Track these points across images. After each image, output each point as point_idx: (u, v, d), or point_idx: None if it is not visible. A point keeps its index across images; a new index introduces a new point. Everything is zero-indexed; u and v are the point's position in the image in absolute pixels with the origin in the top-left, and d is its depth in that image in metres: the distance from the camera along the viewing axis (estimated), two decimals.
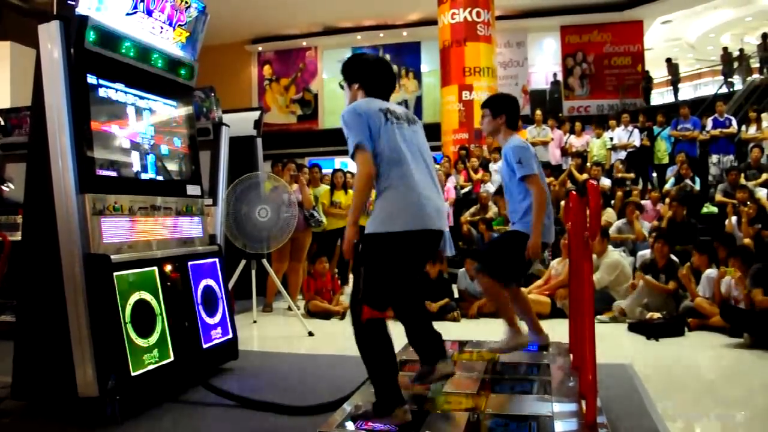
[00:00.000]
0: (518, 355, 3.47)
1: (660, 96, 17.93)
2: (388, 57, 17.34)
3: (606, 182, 9.04)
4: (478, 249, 6.90)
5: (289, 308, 6.02)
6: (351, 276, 8.72)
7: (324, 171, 8.53)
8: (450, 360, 2.79)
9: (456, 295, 6.10)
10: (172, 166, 3.74)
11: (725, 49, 15.82)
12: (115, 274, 3.01)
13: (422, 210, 2.48)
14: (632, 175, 9.20)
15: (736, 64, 15.03)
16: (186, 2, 3.71)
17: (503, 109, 3.49)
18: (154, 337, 3.18)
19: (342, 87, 2.78)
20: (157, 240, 3.46)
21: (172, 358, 3.26)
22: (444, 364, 2.70)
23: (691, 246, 6.04)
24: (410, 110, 2.90)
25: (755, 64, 14.39)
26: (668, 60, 16.33)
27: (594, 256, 5.43)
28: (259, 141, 6.99)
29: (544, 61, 17.40)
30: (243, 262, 5.47)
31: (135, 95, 3.49)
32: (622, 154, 9.81)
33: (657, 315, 5.17)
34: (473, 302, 5.94)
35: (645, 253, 6.37)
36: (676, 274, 5.58)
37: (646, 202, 8.09)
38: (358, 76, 2.71)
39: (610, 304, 5.76)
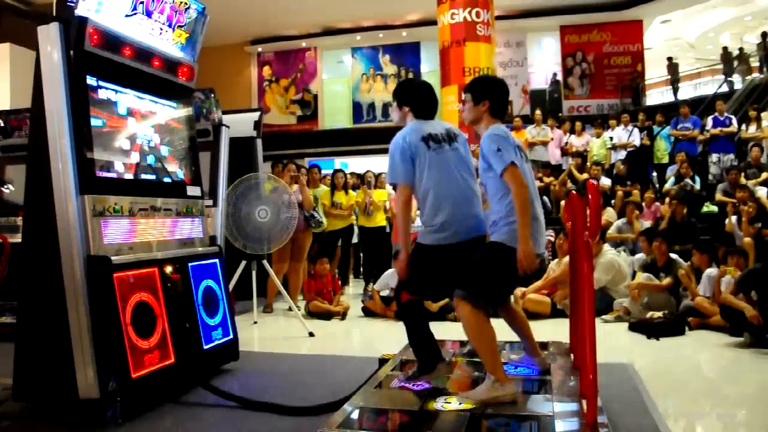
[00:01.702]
0: (518, 354, 3.46)
1: (660, 95, 17.93)
2: (387, 57, 17.47)
3: (606, 182, 9.04)
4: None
5: (290, 309, 6.03)
6: (351, 277, 8.77)
7: (324, 171, 8.54)
8: (447, 362, 3.09)
9: None
10: (172, 168, 3.74)
11: (725, 48, 15.82)
12: (115, 275, 3.01)
13: (457, 228, 2.88)
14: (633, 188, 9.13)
15: (735, 63, 15.02)
16: (185, 3, 3.71)
17: (487, 94, 2.94)
18: (155, 339, 3.18)
19: (390, 106, 3.37)
20: (157, 241, 3.46)
21: (172, 360, 3.26)
22: (443, 365, 2.99)
23: (692, 245, 6.04)
24: None
25: (755, 63, 14.39)
26: (669, 59, 16.32)
27: None
28: (259, 142, 6.99)
29: (543, 61, 17.39)
30: (243, 263, 5.47)
31: (135, 96, 3.49)
32: (622, 154, 9.81)
33: (657, 314, 5.17)
34: None
35: (640, 256, 6.37)
36: (675, 272, 5.58)
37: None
38: (409, 100, 3.12)
39: (609, 303, 5.76)
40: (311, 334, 5.13)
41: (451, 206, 2.89)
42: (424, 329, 2.98)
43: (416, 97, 3.13)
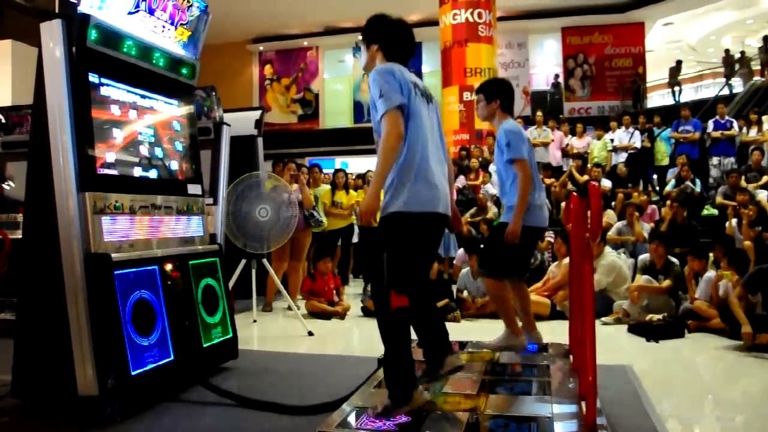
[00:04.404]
0: (518, 355, 3.47)
1: (661, 98, 17.96)
2: None
3: (606, 184, 9.04)
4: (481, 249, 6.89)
5: (289, 308, 6.03)
6: (351, 276, 8.77)
7: (325, 171, 8.54)
8: (458, 355, 2.86)
9: (455, 296, 6.10)
10: (173, 165, 3.74)
11: (727, 51, 15.82)
12: (115, 272, 3.01)
13: (437, 193, 2.50)
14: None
15: (737, 67, 15.03)
16: (188, 1, 3.70)
17: (497, 94, 3.50)
18: (154, 336, 3.17)
19: (358, 47, 2.78)
20: (157, 239, 3.45)
21: (171, 357, 3.26)
22: (453, 357, 2.70)
23: (688, 249, 6.05)
24: None
25: (756, 66, 14.40)
26: (679, 62, 16.28)
27: None
28: (259, 140, 7.00)
29: (545, 63, 17.42)
30: (243, 262, 5.47)
31: (136, 94, 3.49)
32: (623, 156, 9.82)
33: (657, 317, 5.17)
34: (473, 301, 5.94)
35: (645, 257, 6.37)
36: (674, 275, 5.58)
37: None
38: (379, 36, 2.67)
39: (609, 305, 5.76)
40: (310, 334, 5.13)
41: (432, 172, 2.51)
42: (407, 349, 2.50)
43: (389, 34, 2.67)
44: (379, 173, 2.40)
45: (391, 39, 2.66)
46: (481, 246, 6.13)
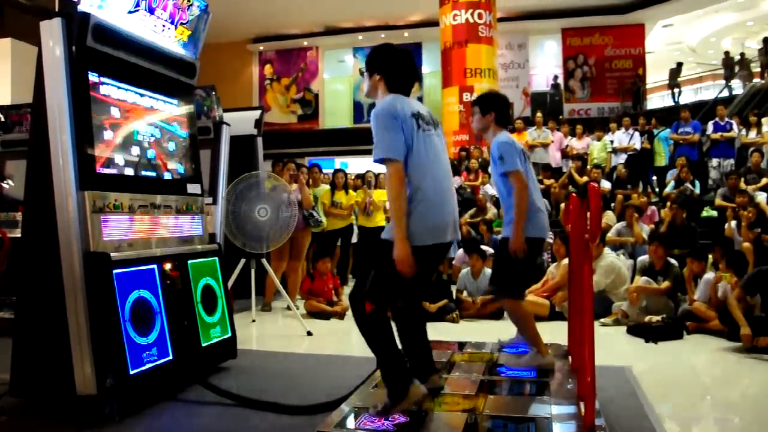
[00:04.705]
0: (516, 357, 3.46)
1: (660, 99, 17.98)
2: None
3: (606, 185, 9.04)
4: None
5: (288, 308, 6.03)
6: (350, 276, 8.77)
7: (324, 171, 8.55)
8: (441, 374, 2.92)
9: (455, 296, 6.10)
10: (172, 165, 3.74)
11: (727, 53, 15.83)
12: (114, 271, 3.01)
13: (446, 225, 2.57)
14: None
15: (737, 69, 15.05)
16: (188, 0, 3.70)
17: (492, 107, 3.50)
18: (153, 336, 3.17)
19: (362, 74, 2.82)
20: (156, 238, 3.46)
21: (170, 357, 3.25)
22: (436, 377, 2.78)
23: (687, 251, 6.05)
24: None
25: (756, 68, 14.41)
26: (679, 64, 16.30)
27: None
28: (259, 140, 7.00)
29: (545, 64, 17.43)
30: (242, 261, 5.47)
31: (136, 93, 3.49)
32: (623, 157, 9.82)
33: (656, 318, 5.17)
34: (473, 302, 5.94)
35: (644, 258, 6.37)
36: (673, 276, 5.58)
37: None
38: (382, 66, 2.69)
39: (608, 307, 5.76)
40: (309, 333, 5.13)
41: (443, 202, 2.58)
42: (395, 346, 2.58)
43: (392, 65, 2.69)
44: (396, 219, 2.47)
45: (394, 71, 2.69)
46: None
